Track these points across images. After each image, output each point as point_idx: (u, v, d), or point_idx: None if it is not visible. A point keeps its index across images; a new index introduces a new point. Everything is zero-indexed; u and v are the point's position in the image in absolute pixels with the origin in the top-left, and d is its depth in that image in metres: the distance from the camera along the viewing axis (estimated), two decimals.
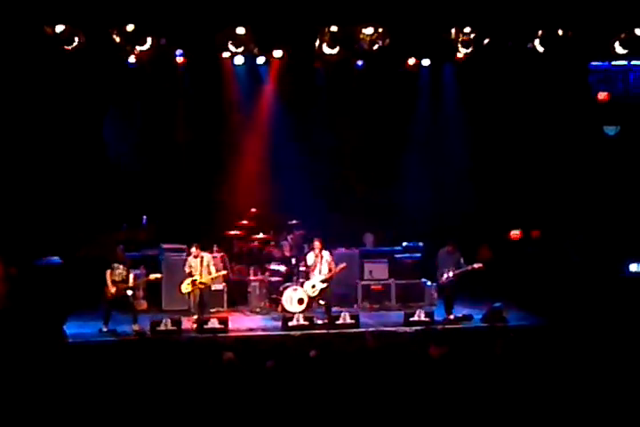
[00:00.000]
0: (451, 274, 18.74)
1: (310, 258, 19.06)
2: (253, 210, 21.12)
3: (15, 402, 9.63)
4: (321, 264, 18.93)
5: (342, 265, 19.13)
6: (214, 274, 18.66)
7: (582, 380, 10.29)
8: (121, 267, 18.03)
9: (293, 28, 19.59)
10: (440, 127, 23.16)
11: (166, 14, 18.90)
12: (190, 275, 18.38)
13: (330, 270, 18.95)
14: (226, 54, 20.56)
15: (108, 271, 17.95)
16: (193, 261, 18.51)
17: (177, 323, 17.48)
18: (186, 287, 18.42)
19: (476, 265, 18.78)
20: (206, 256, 18.72)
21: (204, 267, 18.46)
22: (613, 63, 21.79)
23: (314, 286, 18.90)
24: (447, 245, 18.93)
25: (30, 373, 10.87)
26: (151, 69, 21.15)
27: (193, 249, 18.61)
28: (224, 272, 19.36)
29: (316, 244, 18.97)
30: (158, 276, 18.76)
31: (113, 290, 17.79)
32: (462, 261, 18.83)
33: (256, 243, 20.74)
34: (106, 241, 19.20)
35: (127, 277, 18.06)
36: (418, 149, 23.03)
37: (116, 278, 17.95)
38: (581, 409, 9.50)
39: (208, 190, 21.96)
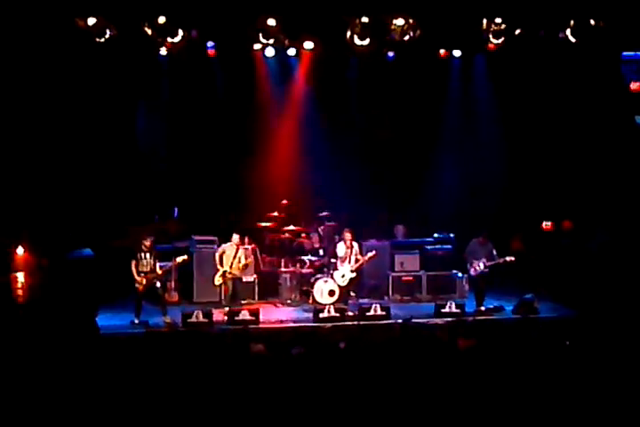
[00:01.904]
0: (482, 266, 18.71)
1: (341, 249, 19.07)
2: (284, 202, 21.20)
3: (47, 393, 9.68)
4: (351, 255, 18.99)
5: (371, 253, 19.14)
6: (243, 262, 18.71)
7: (612, 373, 10.21)
8: (147, 256, 17.98)
9: (324, 20, 19.59)
10: (472, 118, 23.10)
11: (197, 6, 18.96)
12: (220, 264, 18.46)
13: (357, 261, 19.00)
14: (257, 46, 20.61)
15: (133, 262, 17.92)
16: (228, 249, 18.57)
17: (208, 315, 17.56)
18: (217, 279, 18.50)
19: (508, 258, 18.77)
20: (240, 248, 18.79)
21: (235, 258, 18.52)
22: None
23: (343, 276, 18.96)
24: (480, 235, 18.90)
25: (62, 364, 10.92)
26: (182, 62, 21.20)
27: (235, 236, 18.66)
28: (249, 259, 19.24)
29: (347, 235, 19.00)
30: (185, 257, 18.73)
31: (143, 281, 17.83)
32: (495, 252, 18.81)
33: (287, 235, 20.78)
34: (138, 233, 19.23)
35: (155, 266, 18.03)
36: (449, 140, 23.01)
37: (144, 269, 17.92)
38: (610, 403, 9.44)
39: (239, 182, 21.98)
